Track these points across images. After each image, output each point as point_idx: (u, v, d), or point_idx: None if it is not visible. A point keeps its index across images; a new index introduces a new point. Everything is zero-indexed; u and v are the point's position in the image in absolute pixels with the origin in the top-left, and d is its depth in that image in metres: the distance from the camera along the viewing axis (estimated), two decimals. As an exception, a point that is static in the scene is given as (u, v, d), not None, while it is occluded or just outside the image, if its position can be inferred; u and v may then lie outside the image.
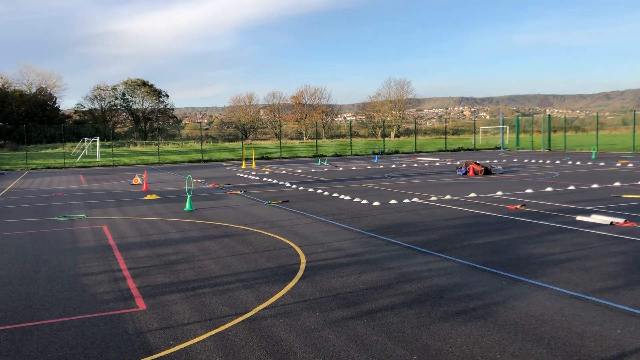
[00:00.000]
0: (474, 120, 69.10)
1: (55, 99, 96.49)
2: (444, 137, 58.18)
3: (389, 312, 6.10)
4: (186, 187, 17.96)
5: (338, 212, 13.54)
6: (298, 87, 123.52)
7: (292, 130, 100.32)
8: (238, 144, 72.85)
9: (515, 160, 32.73)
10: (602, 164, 27.55)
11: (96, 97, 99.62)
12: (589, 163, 28.31)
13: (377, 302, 6.43)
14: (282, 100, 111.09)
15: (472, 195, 15.99)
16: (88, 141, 54.94)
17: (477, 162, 24.47)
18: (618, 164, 26.73)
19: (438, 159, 35.84)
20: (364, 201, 15.16)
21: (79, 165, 39.15)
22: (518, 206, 13.49)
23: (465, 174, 22.95)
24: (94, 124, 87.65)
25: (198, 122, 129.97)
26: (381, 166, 30.53)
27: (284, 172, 28.19)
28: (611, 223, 10.87)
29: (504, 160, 32.41)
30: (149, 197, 17.85)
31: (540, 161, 30.78)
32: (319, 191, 18.14)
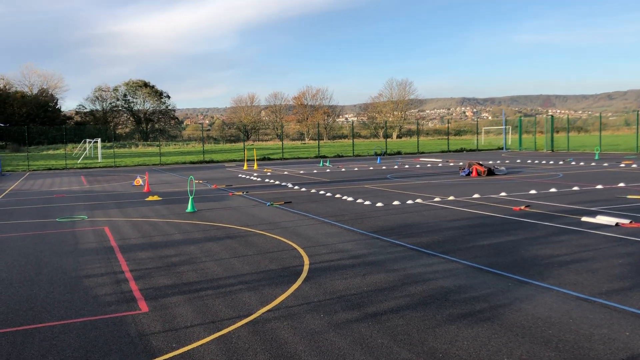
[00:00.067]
0: (477, 121, 68.97)
1: (57, 100, 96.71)
2: (447, 137, 58.11)
3: (394, 314, 6.03)
4: (188, 188, 17.92)
5: (341, 213, 13.47)
6: (299, 88, 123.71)
7: (293, 131, 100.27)
8: (240, 145, 72.82)
9: (518, 161, 32.64)
10: (605, 164, 27.44)
11: (97, 98, 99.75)
12: (593, 164, 28.20)
13: (382, 305, 6.36)
14: (283, 101, 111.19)
15: (476, 196, 15.91)
16: (89, 142, 54.96)
17: (480, 162, 24.38)
18: (622, 165, 26.62)
19: (441, 160, 35.75)
20: (367, 202, 15.09)
21: (80, 167, 39.14)
22: (522, 207, 13.41)
23: (468, 174, 22.87)
24: (95, 125, 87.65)
25: (199, 123, 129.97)
26: (383, 167, 30.46)
27: (286, 173, 28.13)
28: (617, 224, 10.78)
29: (507, 161, 32.32)
30: (150, 198, 17.80)
31: (544, 162, 30.68)
32: (322, 192, 18.07)
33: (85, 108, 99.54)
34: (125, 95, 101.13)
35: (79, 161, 44.16)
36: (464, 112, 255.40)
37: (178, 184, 23.46)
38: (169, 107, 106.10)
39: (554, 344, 5.11)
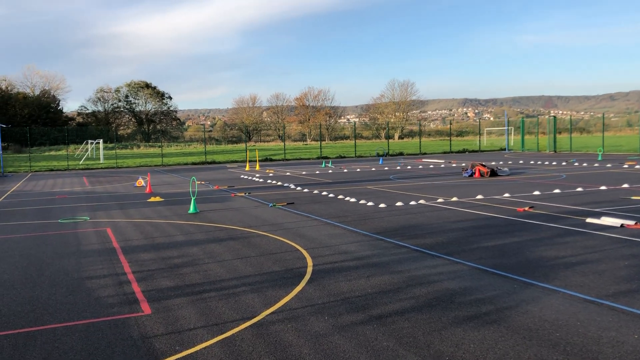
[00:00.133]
0: (479, 122, 68.89)
1: (59, 101, 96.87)
2: (449, 138, 58.01)
3: (400, 316, 5.97)
4: (190, 189, 17.88)
5: (344, 214, 13.41)
6: (301, 89, 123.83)
7: (295, 132, 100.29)
8: (241, 145, 72.80)
9: (521, 161, 32.55)
10: (608, 165, 27.34)
11: (99, 99, 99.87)
12: (596, 165, 28.10)
13: (387, 307, 6.30)
14: (285, 102, 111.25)
15: (479, 197, 15.84)
16: (91, 143, 55.00)
17: (483, 163, 24.31)
18: (625, 166, 26.53)
19: (443, 161, 35.67)
20: (370, 203, 15.03)
21: (82, 168, 39.14)
22: (526, 208, 13.33)
23: (471, 175, 22.80)
24: (97, 126, 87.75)
25: (201, 124, 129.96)
26: (386, 168, 30.39)
27: (288, 173, 28.08)
28: (622, 225, 10.71)
29: (509, 162, 32.23)
30: (152, 199, 17.76)
31: (547, 163, 30.59)
32: (324, 193, 18.02)
33: (87, 109, 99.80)
34: (127, 96, 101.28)
35: (81, 162, 44.16)
36: (466, 113, 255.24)
37: (180, 185, 23.42)
38: (171, 108, 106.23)
39: (562, 347, 5.04)
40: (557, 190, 16.92)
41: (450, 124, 74.03)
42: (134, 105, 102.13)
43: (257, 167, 33.93)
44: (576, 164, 29.06)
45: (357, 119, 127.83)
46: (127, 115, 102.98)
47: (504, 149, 49.19)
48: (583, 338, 5.23)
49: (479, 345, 5.14)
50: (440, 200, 15.43)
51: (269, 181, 23.54)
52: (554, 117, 48.16)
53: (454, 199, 15.61)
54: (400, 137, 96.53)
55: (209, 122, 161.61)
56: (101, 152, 48.43)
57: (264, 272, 8.06)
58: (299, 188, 20.08)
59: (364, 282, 7.37)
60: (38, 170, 37.44)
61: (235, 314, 6.22)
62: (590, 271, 7.58)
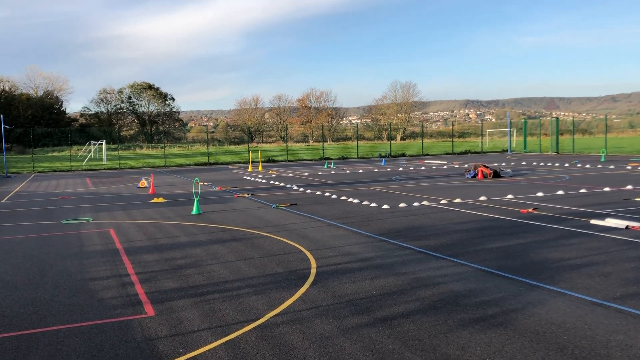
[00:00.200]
0: (481, 123, 68.80)
1: (62, 102, 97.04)
2: (451, 140, 57.93)
3: (405, 319, 5.92)
4: (193, 190, 17.86)
5: (347, 215, 13.37)
6: (303, 90, 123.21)
7: (297, 133, 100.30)
8: (244, 146, 72.81)
9: (523, 163, 32.47)
10: (612, 166, 27.25)
11: (102, 101, 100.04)
12: (599, 166, 28.02)
13: (392, 309, 6.26)
14: (287, 103, 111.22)
15: (483, 198, 15.79)
16: (94, 144, 55.07)
17: (486, 165, 24.25)
18: (628, 167, 26.44)
19: (446, 162, 35.61)
20: (373, 204, 14.98)
21: (85, 169, 39.17)
22: (530, 209, 13.28)
23: (474, 177, 22.74)
24: (100, 127, 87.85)
25: (204, 125, 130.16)
26: (388, 169, 30.34)
27: (290, 174, 28.04)
28: (627, 227, 10.64)
29: (512, 163, 32.16)
30: (155, 200, 17.74)
31: (549, 164, 30.50)
32: (327, 194, 17.98)
33: (90, 110, 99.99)
34: (129, 98, 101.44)
35: (83, 163, 44.20)
36: (468, 115, 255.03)
37: (183, 185, 23.40)
38: (174, 109, 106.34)
39: (569, 350, 4.99)
40: (560, 192, 16.85)
41: (453, 125, 73.82)
42: (136, 107, 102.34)
43: (260, 168, 33.91)
44: (579, 165, 28.97)
45: (359, 120, 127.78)
46: (129, 117, 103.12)
47: (506, 151, 49.10)
48: (591, 341, 5.18)
49: (486, 348, 5.09)
50: (443, 201, 15.38)
51: (271, 182, 23.50)
52: (557, 118, 48.06)
53: (457, 200, 15.55)
54: (402, 139, 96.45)
55: (211, 124, 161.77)
56: (104, 153, 48.46)
57: (267, 273, 8.03)
58: (301, 189, 20.04)
59: (369, 283, 7.32)
60: (41, 171, 37.47)
61: (239, 315, 6.18)
62: (596, 273, 7.53)
